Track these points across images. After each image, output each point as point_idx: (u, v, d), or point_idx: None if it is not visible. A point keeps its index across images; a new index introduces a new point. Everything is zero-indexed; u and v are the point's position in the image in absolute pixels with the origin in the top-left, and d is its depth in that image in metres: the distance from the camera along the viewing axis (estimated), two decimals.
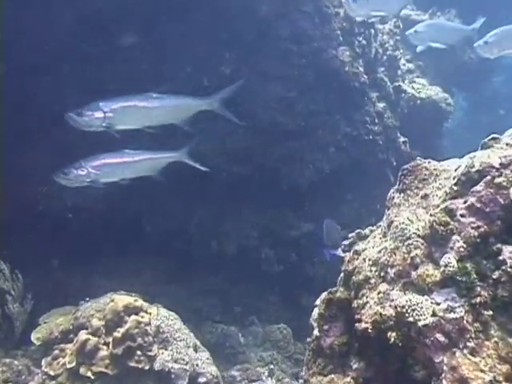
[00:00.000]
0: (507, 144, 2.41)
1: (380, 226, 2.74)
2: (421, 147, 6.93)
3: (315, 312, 2.93)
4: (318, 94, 5.67)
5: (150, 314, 3.67)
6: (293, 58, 5.53)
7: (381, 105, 6.06)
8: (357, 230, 2.98)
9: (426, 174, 2.57)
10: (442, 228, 2.23)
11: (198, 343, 3.88)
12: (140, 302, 3.64)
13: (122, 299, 3.61)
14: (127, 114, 3.96)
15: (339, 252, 4.97)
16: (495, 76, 12.14)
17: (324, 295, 2.87)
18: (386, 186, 6.38)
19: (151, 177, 5.57)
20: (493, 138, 2.45)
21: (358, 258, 2.58)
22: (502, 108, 14.70)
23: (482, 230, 2.15)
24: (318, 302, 3.24)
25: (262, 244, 5.92)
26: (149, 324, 3.56)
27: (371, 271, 2.46)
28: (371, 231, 2.91)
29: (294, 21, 5.46)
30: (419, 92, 6.81)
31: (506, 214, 2.15)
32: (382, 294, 2.35)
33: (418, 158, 2.65)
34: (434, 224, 2.26)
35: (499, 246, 2.12)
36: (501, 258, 2.11)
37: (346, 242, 2.99)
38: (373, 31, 6.08)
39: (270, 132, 5.57)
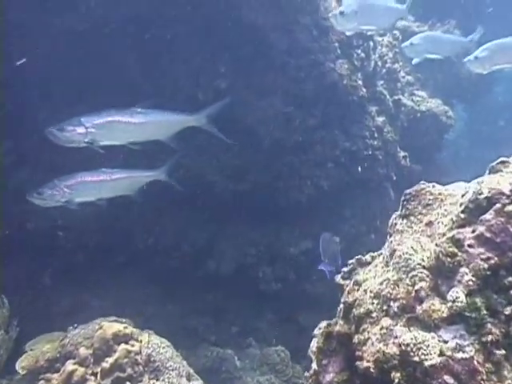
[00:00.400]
0: None
1: (381, 253, 2.58)
2: (421, 161, 6.80)
3: (313, 344, 2.77)
4: (315, 108, 5.53)
5: (141, 341, 3.49)
6: (290, 72, 5.39)
7: (380, 119, 5.92)
8: (357, 256, 2.81)
9: (430, 200, 2.42)
10: (448, 259, 2.07)
11: (192, 371, 3.70)
12: (130, 329, 3.46)
13: (111, 326, 3.44)
14: (110, 130, 3.81)
15: (335, 270, 4.83)
16: (495, 86, 12.05)
17: (323, 326, 2.70)
18: (386, 202, 6.30)
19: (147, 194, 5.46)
20: (501, 162, 2.30)
21: (358, 290, 2.42)
22: (502, 118, 14.62)
23: (492, 261, 2.00)
24: (316, 331, 3.07)
25: (259, 262, 5.76)
26: (139, 353, 3.39)
27: (373, 304, 2.30)
28: (372, 257, 2.75)
29: (291, 33, 5.32)
30: (419, 105, 6.67)
31: None
32: (384, 330, 2.18)
33: (422, 182, 2.49)
34: (440, 255, 2.10)
35: (511, 279, 1.97)
36: None
37: (345, 269, 2.82)
38: (372, 44, 5.94)
39: (267, 148, 5.43)
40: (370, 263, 2.75)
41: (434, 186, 2.46)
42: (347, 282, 2.76)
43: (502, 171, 2.26)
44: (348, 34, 4.62)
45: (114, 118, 3.81)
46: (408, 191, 2.48)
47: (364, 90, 5.72)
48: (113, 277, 5.53)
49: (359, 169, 5.70)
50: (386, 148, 5.92)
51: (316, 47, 5.41)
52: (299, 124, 5.45)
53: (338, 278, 2.82)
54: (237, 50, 5.32)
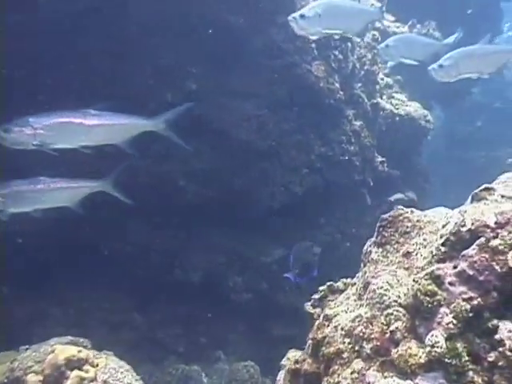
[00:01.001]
0: (503, 196, 2.06)
1: (355, 283, 2.36)
2: (400, 165, 6.62)
3: (280, 378, 2.56)
4: (290, 111, 5.30)
5: (97, 365, 3.23)
6: (264, 73, 5.16)
7: (357, 123, 5.71)
8: (328, 283, 2.60)
9: (408, 227, 2.21)
10: (427, 298, 1.87)
11: None
12: (85, 353, 3.20)
13: (63, 350, 3.17)
14: (61, 132, 3.52)
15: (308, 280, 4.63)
16: (474, 87, 11.98)
17: (291, 359, 2.50)
18: (362, 209, 6.11)
19: (113, 198, 5.20)
20: (485, 189, 2.09)
21: (328, 325, 2.20)
22: (479, 119, 14.58)
23: (475, 302, 1.80)
24: (284, 361, 2.87)
25: (229, 271, 5.53)
26: (94, 379, 3.13)
27: (344, 343, 2.08)
28: (345, 285, 2.53)
29: (265, 33, 5.08)
30: (398, 108, 6.48)
31: (504, 284, 1.81)
32: (356, 374, 1.98)
33: (400, 207, 2.28)
34: (418, 293, 1.89)
35: (495, 322, 1.79)
36: (497, 336, 1.76)
37: (315, 296, 2.61)
38: (350, 45, 5.72)
39: (239, 152, 5.19)
40: (342, 291, 2.54)
41: (412, 212, 2.25)
42: (317, 310, 2.55)
43: (486, 199, 2.06)
44: (313, 38, 4.24)
45: (65, 119, 3.52)
46: (384, 217, 2.26)
47: (341, 92, 5.51)
48: (76, 285, 5.27)
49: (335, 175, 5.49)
50: (363, 153, 5.72)
51: (292, 48, 5.18)
52: (273, 128, 5.22)
53: (308, 306, 2.61)
54: (209, 50, 5.06)
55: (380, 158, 6.01)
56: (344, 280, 2.57)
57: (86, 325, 5.31)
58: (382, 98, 6.45)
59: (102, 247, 5.34)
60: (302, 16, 3.88)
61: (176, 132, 4.15)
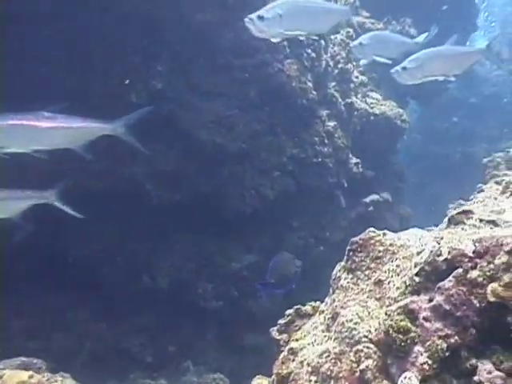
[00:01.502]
0: (481, 220, 1.89)
1: (323, 311, 2.17)
2: (375, 165, 6.47)
3: None
4: (261, 112, 5.10)
5: None
6: (234, 72, 4.94)
7: (331, 124, 5.53)
8: (296, 307, 2.41)
9: (380, 251, 2.03)
10: (400, 336, 1.70)
11: None
12: (37, 379, 2.96)
13: (13, 376, 2.93)
14: (11, 135, 3.26)
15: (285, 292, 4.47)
16: (450, 83, 11.83)
17: None
18: (336, 212, 5.94)
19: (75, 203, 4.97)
20: (463, 212, 1.92)
21: (293, 360, 2.01)
22: (455, 115, 14.55)
23: (451, 340, 1.65)
24: None
25: (199, 277, 5.32)
26: None
27: (310, 382, 1.90)
28: (313, 309, 2.35)
29: (235, 30, 4.84)
30: (373, 108, 6.32)
31: (483, 320, 1.64)
32: None
33: (371, 229, 2.10)
34: (391, 330, 1.71)
35: (474, 361, 1.63)
36: (476, 378, 1.61)
37: (281, 321, 2.42)
38: (323, 42, 5.53)
39: (208, 154, 4.97)
40: (310, 315, 2.35)
41: (384, 235, 2.07)
42: (284, 336, 2.36)
43: (463, 223, 1.89)
44: (274, 40, 3.93)
45: (16, 121, 3.26)
46: (355, 240, 2.08)
47: (314, 92, 5.32)
48: (38, 295, 5.01)
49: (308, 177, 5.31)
50: (336, 155, 5.54)
51: (263, 46, 4.97)
52: (243, 129, 5.01)
53: (274, 332, 2.42)
54: (176, 48, 4.84)
55: (354, 160, 5.84)
56: (313, 303, 2.39)
57: (47, 336, 5.09)
58: (356, 97, 6.28)
59: (65, 255, 5.09)
60: (260, 17, 3.50)
61: (137, 135, 3.91)
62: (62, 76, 4.31)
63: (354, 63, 6.20)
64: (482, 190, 4.47)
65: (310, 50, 5.35)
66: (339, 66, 5.82)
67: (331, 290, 2.14)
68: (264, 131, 5.14)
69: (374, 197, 6.27)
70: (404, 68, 4.08)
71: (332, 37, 5.88)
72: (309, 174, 5.37)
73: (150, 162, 4.89)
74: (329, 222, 5.70)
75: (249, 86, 4.99)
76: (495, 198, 2.19)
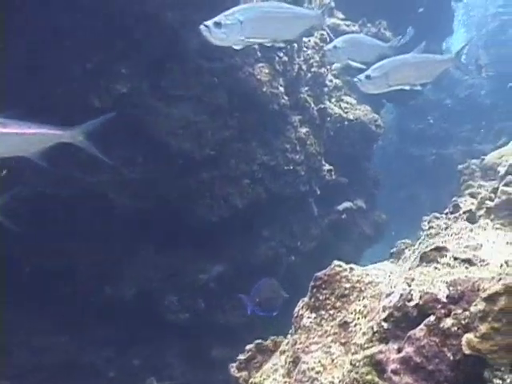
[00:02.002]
0: (456, 258, 1.73)
1: (284, 350, 1.99)
2: (349, 172, 6.33)
3: None
4: (231, 117, 4.90)
5: None
6: (202, 76, 4.73)
7: (303, 130, 5.35)
8: (257, 341, 2.23)
9: (346, 288, 1.86)
10: None
11: None
12: None
13: None
14: None
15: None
16: (425, 84, 11.76)
17: None
18: (308, 220, 5.77)
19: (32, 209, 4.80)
20: (436, 249, 1.76)
21: None
22: (430, 116, 14.55)
23: None
24: None
25: (164, 289, 5.11)
26: None
27: None
28: (275, 344, 2.17)
29: None
30: (347, 112, 6.16)
31: (457, 375, 1.48)
32: None
33: (337, 263, 1.92)
34: (355, 383, 1.54)
35: None
36: None
37: (241, 357, 2.23)
38: (296, 46, 5.35)
39: (175, 162, 4.77)
40: (272, 351, 2.17)
41: (351, 270, 1.89)
42: (243, 374, 2.18)
43: (437, 261, 1.72)
44: (236, 48, 3.49)
45: None
46: (319, 275, 1.90)
47: (286, 97, 5.14)
48: None
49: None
50: (308, 162, 5.37)
51: (232, 49, 4.73)
52: (212, 135, 4.80)
53: (233, 369, 2.23)
54: (142, 49, 4.60)
55: (327, 167, 5.68)
56: (275, 338, 2.21)
57: (5, 350, 4.84)
58: (330, 102, 6.12)
59: (23, 264, 4.84)
60: (217, 24, 3.26)
61: (99, 143, 3.70)
62: (14, 78, 4.04)
63: (328, 67, 6.03)
64: (458, 205, 4.36)
65: (282, 54, 5.17)
66: (312, 69, 5.64)
67: (293, 328, 1.96)
68: (233, 137, 4.95)
69: (348, 204, 6.13)
70: (368, 77, 3.90)
71: (305, 39, 5.69)
72: (280, 182, 5.19)
73: (113, 170, 4.66)
74: (300, 230, 5.53)
75: (218, 90, 4.78)
76: (471, 230, 2.04)
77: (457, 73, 15.78)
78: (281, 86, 5.10)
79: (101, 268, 4.99)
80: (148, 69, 4.64)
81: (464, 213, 4.00)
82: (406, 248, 4.51)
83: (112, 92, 4.47)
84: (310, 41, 5.76)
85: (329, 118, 5.78)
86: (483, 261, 1.69)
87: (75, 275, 5.00)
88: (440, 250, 1.72)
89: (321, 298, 1.86)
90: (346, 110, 6.16)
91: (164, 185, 4.82)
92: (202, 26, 3.27)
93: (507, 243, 1.82)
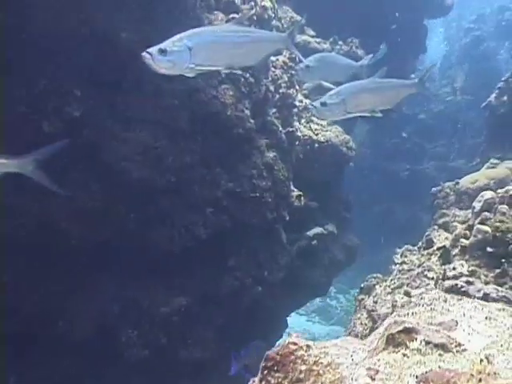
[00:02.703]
0: (428, 342, 1.49)
1: None
2: (319, 196, 6.11)
3: None
4: (193, 142, 4.64)
5: None
6: (162, 98, 4.46)
7: (271, 154, 5.11)
8: None
9: (301, 371, 1.58)
10: None
11: None
12: None
13: None
14: None
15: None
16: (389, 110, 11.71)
17: None
18: (277, 248, 5.50)
19: None
20: (405, 330, 1.50)
21: None
22: (404, 130, 14.47)
23: None
24: None
25: (123, 323, 4.79)
26: None
27: None
28: None
29: None
30: (317, 134, 5.94)
31: None
32: None
33: (292, 340, 1.65)
34: None
35: None
36: None
37: None
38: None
39: (134, 189, 4.47)
40: None
41: (308, 348, 1.62)
42: None
43: (405, 346, 1.47)
44: (188, 75, 3.15)
45: None
46: (271, 355, 1.63)
47: (252, 120, 4.89)
48: None
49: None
50: (276, 188, 5.12)
51: None
52: (173, 161, 4.53)
53: None
54: (97, 70, 4.32)
55: (296, 192, 5.44)
56: None
57: None
58: (300, 123, 5.89)
59: None
60: (161, 51, 2.96)
61: (51, 171, 3.42)
62: None
63: (298, 87, 5.80)
64: (431, 240, 4.14)
65: (248, 75, 4.92)
66: (281, 90, 5.40)
67: None
68: (196, 163, 4.68)
69: (318, 230, 5.90)
70: (323, 104, 3.65)
71: (273, 58, 5.46)
72: (245, 209, 4.93)
73: (68, 199, 4.35)
74: (268, 259, 5.27)
75: (179, 113, 4.52)
76: (445, 300, 1.79)
77: (431, 87, 15.82)
78: (246, 108, 4.85)
79: (54, 303, 4.66)
80: (104, 90, 4.36)
81: (438, 249, 3.79)
82: (378, 284, 4.29)
83: (63, 116, 4.18)
84: (278, 60, 5.53)
85: (297, 142, 5.53)
86: (459, 345, 1.44)
87: (25, 311, 4.65)
88: (409, 331, 1.46)
89: (272, 382, 1.59)
90: (316, 132, 5.93)
91: (122, 214, 4.52)
92: (144, 54, 2.96)
93: (486, 318, 1.58)
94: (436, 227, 4.63)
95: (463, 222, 4.03)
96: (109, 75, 4.34)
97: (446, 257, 3.56)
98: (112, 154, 4.36)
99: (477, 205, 3.45)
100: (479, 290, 2.97)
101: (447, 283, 3.10)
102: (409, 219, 13.19)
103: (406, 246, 4.41)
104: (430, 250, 3.82)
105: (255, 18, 5.09)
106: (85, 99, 4.27)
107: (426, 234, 4.34)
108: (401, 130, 14.25)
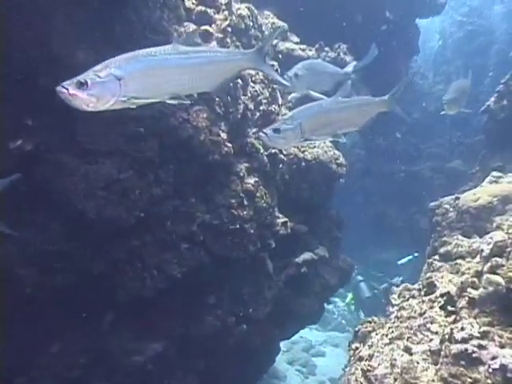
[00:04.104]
0: None
1: None
2: (307, 217, 5.63)
3: None
4: (163, 171, 4.15)
5: None
6: (126, 125, 3.97)
7: (251, 180, 4.62)
8: None
9: None
10: None
11: None
12: None
13: None
14: None
15: None
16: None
17: None
18: (261, 281, 4.99)
19: None
20: None
21: None
22: (398, 130, 14.00)
23: None
24: None
25: (91, 375, 4.30)
26: None
27: None
28: None
29: None
30: (304, 151, 5.44)
31: None
32: None
33: None
34: None
35: None
36: None
37: None
38: (241, 82, 4.62)
39: (97, 229, 3.97)
40: None
41: None
42: None
43: None
44: (132, 107, 2.65)
45: None
46: None
47: (229, 144, 4.40)
48: None
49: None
50: (258, 218, 4.63)
51: None
52: (140, 194, 4.03)
53: None
54: (52, 94, 3.81)
55: (281, 219, 4.95)
56: None
57: None
58: None
59: None
60: (80, 84, 2.48)
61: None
62: None
63: (281, 101, 5.31)
64: (433, 284, 3.64)
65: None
66: (261, 107, 4.91)
67: None
68: (168, 195, 4.19)
69: (307, 256, 5.42)
70: (276, 130, 3.14)
71: (252, 72, 4.97)
72: (225, 243, 4.45)
73: (23, 241, 3.86)
74: (252, 294, 4.79)
75: (146, 141, 4.02)
76: None
77: (425, 85, 15.35)
78: (222, 131, 4.36)
79: (12, 357, 4.16)
80: (60, 120, 3.86)
81: (441, 295, 3.30)
82: (374, 330, 3.81)
83: (14, 148, 3.68)
84: (258, 74, 5.04)
85: (281, 165, 5.04)
86: None
87: None
88: None
89: None
90: (302, 149, 5.44)
91: (86, 256, 4.03)
92: (58, 88, 2.51)
93: None
94: (436, 261, 4.15)
95: (468, 261, 3.55)
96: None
97: (450, 307, 3.09)
98: (70, 190, 3.86)
99: (485, 248, 2.97)
100: (494, 358, 2.50)
101: (455, 348, 2.63)
102: (405, 221, 12.75)
103: (403, 285, 3.94)
104: (433, 296, 3.34)
105: (230, 29, 4.59)
106: (38, 130, 3.78)
107: (427, 276, 3.81)
108: (394, 130, 13.78)
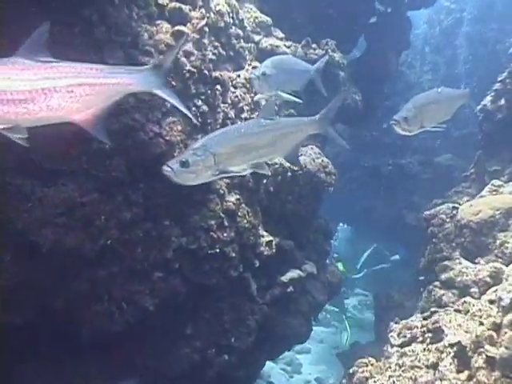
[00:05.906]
0: None
1: None
2: (294, 233, 5.20)
3: None
4: (133, 192, 3.69)
5: None
6: (90, 143, 3.48)
7: (232, 198, 4.17)
8: None
9: None
10: None
11: None
12: None
13: None
14: None
15: None
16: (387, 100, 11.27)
17: None
18: (243, 306, 4.52)
19: None
20: None
21: None
22: (385, 122, 13.57)
23: None
24: None
25: None
26: None
27: None
28: None
29: None
30: None
31: None
32: None
33: None
34: None
35: None
36: None
37: None
38: (220, 88, 4.15)
39: (56, 260, 3.50)
40: None
41: None
42: None
43: None
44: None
45: None
46: None
47: None
48: None
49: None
50: (240, 240, 4.18)
51: (131, 102, 3.53)
52: (106, 220, 3.56)
53: None
54: None
55: (266, 238, 4.51)
56: None
57: None
58: None
59: None
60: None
61: None
62: None
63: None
64: (440, 328, 3.22)
65: (200, 102, 3.97)
66: (243, 115, 4.45)
67: None
68: (138, 218, 3.72)
69: (294, 274, 4.99)
70: (184, 163, 2.62)
71: (233, 75, 4.50)
72: (204, 269, 4.00)
73: None
74: (234, 322, 4.36)
75: (112, 159, 3.54)
76: None
77: (411, 76, 14.93)
78: None
79: None
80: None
81: (450, 346, 2.88)
82: (372, 378, 3.38)
83: None
84: (239, 77, 4.57)
85: (265, 180, 4.58)
86: None
87: None
88: None
89: None
90: None
91: (45, 290, 3.55)
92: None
93: None
94: (438, 288, 3.73)
95: (477, 298, 3.13)
96: None
97: (463, 361, 2.67)
98: (25, 217, 3.37)
99: (505, 296, 2.55)
100: None
101: None
102: (392, 219, 12.38)
103: (403, 322, 3.52)
104: (440, 345, 2.91)
105: (207, 29, 4.10)
106: None
107: (426, 301, 3.40)
108: (381, 122, 13.39)
